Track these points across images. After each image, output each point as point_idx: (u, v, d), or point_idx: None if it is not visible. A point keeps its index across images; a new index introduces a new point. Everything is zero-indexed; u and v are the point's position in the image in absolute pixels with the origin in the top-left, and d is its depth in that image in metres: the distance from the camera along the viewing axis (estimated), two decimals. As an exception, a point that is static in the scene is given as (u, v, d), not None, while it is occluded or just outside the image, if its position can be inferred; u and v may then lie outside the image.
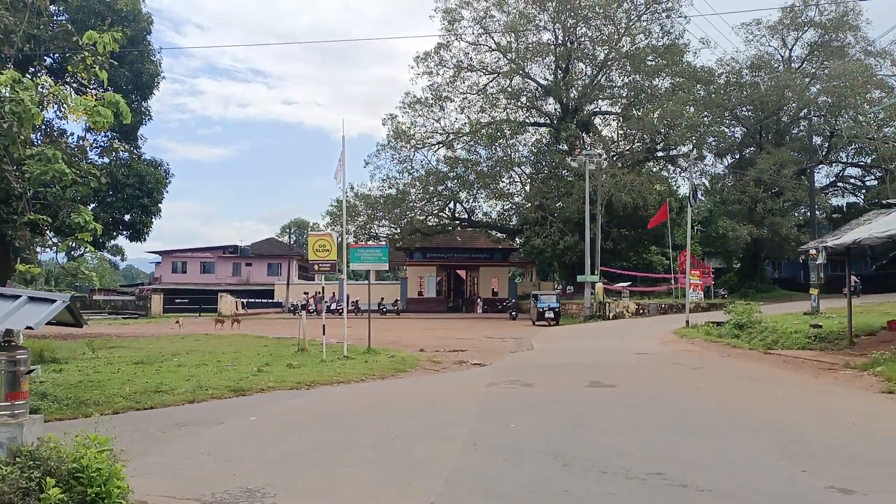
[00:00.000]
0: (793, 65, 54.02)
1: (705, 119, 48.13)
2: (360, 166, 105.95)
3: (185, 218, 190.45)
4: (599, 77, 51.18)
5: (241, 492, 7.01)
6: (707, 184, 56.43)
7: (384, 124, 52.33)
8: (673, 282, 43.99)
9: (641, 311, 39.91)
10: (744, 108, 53.80)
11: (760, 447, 8.39)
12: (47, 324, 5.49)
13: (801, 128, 54.94)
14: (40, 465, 4.94)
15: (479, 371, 17.03)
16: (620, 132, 52.70)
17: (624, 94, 51.63)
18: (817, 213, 47.18)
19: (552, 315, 36.81)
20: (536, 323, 37.08)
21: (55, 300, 5.45)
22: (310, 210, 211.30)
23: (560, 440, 8.74)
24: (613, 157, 49.26)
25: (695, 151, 46.96)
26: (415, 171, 51.74)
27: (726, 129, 54.19)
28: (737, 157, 55.93)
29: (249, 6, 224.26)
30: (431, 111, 51.44)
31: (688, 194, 35.65)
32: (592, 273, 40.03)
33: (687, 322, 28.53)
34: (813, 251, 30.69)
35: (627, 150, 51.11)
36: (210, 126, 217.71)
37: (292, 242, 74.58)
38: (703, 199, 52.53)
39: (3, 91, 11.46)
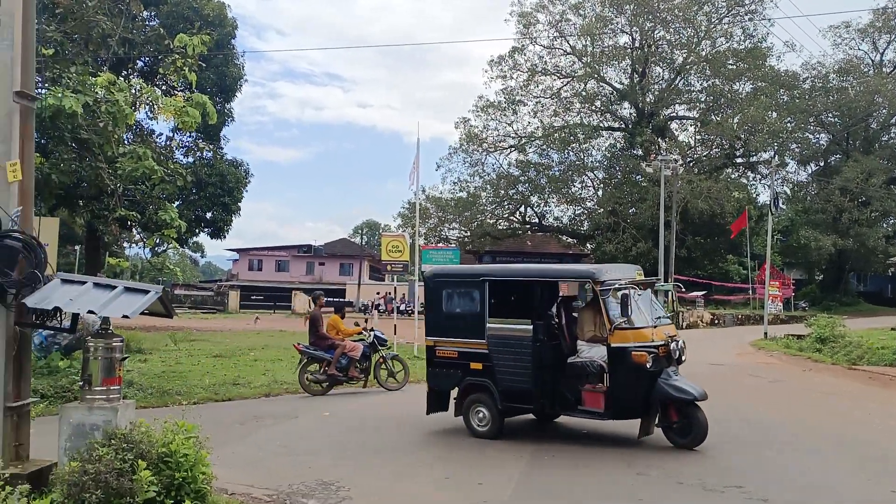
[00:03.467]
0: (884, 69, 51.75)
1: (788, 125, 46.59)
2: (432, 169, 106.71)
3: (261, 218, 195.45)
4: (677, 81, 50.19)
5: (316, 484, 7.19)
6: (788, 192, 54.55)
7: (456, 128, 52.77)
8: (751, 292, 42.72)
9: (716, 322, 38.89)
10: (830, 114, 51.78)
11: (842, 464, 8.10)
12: (142, 314, 5.75)
13: (892, 135, 52.55)
14: (133, 447, 5.18)
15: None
16: (698, 137, 51.53)
17: (702, 99, 50.47)
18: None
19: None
20: (607, 330, 36.50)
21: (149, 290, 5.70)
22: (382, 212, 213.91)
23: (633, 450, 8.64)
24: (690, 163, 48.18)
25: (776, 158, 45.48)
26: (486, 174, 51.78)
27: (810, 136, 52.30)
28: (821, 164, 53.85)
29: (327, 13, 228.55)
30: (504, 115, 51.42)
31: (768, 202, 34.57)
32: (666, 281, 39.20)
33: (765, 334, 27.66)
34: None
35: (705, 156, 49.94)
36: (287, 128, 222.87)
37: (364, 243, 75.63)
38: (783, 207, 50.80)
39: (100, 92, 12.06)
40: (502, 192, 50.95)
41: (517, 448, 8.68)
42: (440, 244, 46.02)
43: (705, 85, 50.14)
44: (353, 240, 78.43)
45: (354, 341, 13.65)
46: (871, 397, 13.74)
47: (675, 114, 52.97)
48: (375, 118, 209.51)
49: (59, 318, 5.79)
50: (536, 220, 54.55)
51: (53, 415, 10.49)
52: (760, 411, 11.67)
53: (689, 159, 48.68)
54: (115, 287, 5.66)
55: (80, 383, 5.64)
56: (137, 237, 40.09)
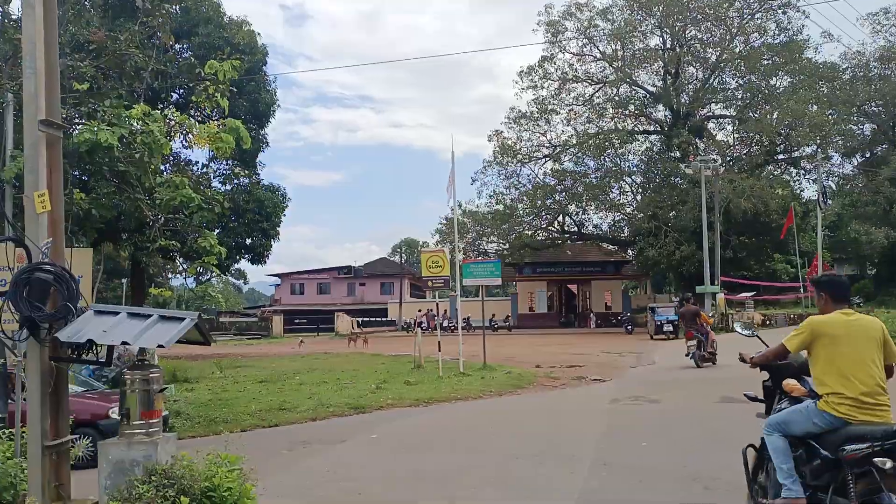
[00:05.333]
0: (927, 54, 50.19)
1: (830, 117, 45.27)
2: (467, 184, 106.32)
3: (300, 242, 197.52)
4: (711, 80, 49.26)
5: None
6: (834, 186, 53.02)
7: (490, 140, 52.30)
8: (802, 290, 41.47)
9: (768, 322, 37.76)
10: (873, 104, 50.31)
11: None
12: (178, 342, 5.55)
13: (940, 121, 50.92)
14: (174, 483, 4.97)
15: (600, 387, 16.45)
16: (736, 136, 50.45)
17: (739, 96, 49.40)
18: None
19: (671, 328, 35.38)
20: (654, 337, 35.77)
21: (184, 318, 5.51)
22: (419, 229, 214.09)
23: (697, 460, 8.19)
24: (730, 162, 47.15)
25: (820, 152, 44.22)
26: (522, 185, 51.28)
27: (854, 127, 50.77)
28: (867, 155, 52.33)
29: (356, 38, 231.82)
30: (537, 125, 50.98)
31: (816, 197, 33.58)
32: (712, 283, 38.32)
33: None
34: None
35: (745, 154, 48.81)
36: (322, 152, 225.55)
37: (403, 261, 75.66)
38: (829, 202, 49.40)
39: (135, 124, 12.08)
40: (539, 202, 50.42)
41: (573, 464, 8.28)
42: (479, 258, 45.65)
43: (741, 82, 49.10)
44: (392, 259, 78.50)
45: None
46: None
47: (711, 113, 51.94)
48: (409, 137, 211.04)
49: (94, 351, 5.62)
50: (575, 229, 53.89)
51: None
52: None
53: (728, 158, 47.63)
54: (149, 316, 5.48)
55: (119, 418, 5.47)
56: (181, 267, 40.65)
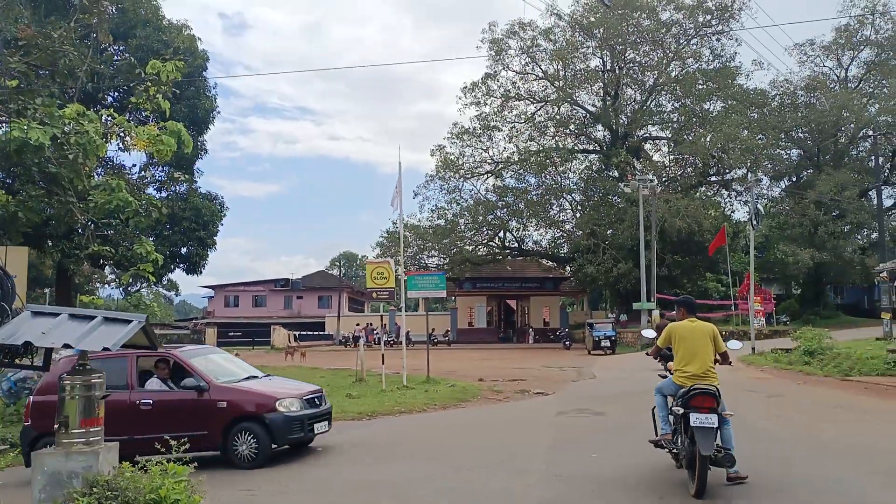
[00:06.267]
0: (849, 84, 52.56)
1: (760, 142, 46.93)
2: (409, 198, 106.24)
3: (235, 253, 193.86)
4: (649, 102, 50.48)
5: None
6: (761, 208, 54.79)
7: (432, 155, 52.28)
8: (733, 308, 42.64)
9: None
10: (800, 130, 52.35)
11: (870, 475, 7.71)
12: (122, 346, 5.23)
13: (861, 148, 53.22)
14: (118, 495, 4.66)
15: (544, 400, 16.45)
16: (672, 157, 51.80)
17: (674, 119, 50.82)
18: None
19: (608, 344, 35.89)
20: (592, 352, 36.18)
21: (131, 321, 5.20)
22: (358, 243, 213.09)
23: (648, 471, 8.18)
24: (665, 182, 48.32)
25: (752, 175, 45.72)
26: (464, 200, 51.39)
27: (782, 152, 52.80)
28: (793, 179, 54.36)
29: (297, 48, 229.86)
30: (479, 141, 51.23)
31: (748, 218, 34.59)
32: (649, 300, 39.04)
33: (753, 349, 27.43)
34: (884, 274, 29.47)
35: (679, 175, 50.12)
36: (260, 163, 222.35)
37: (342, 275, 74.86)
38: (759, 224, 51.08)
39: (69, 124, 11.52)
40: (480, 217, 50.63)
41: (526, 476, 8.17)
42: (420, 271, 45.44)
43: (677, 105, 50.51)
44: (330, 272, 77.61)
45: None
46: (874, 407, 13.45)
47: (648, 134, 53.28)
48: (348, 150, 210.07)
49: (30, 356, 5.25)
50: (516, 245, 54.28)
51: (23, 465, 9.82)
52: (769, 426, 11.30)
53: (664, 178, 48.82)
54: (93, 318, 5.15)
55: (56, 426, 5.10)
56: (110, 277, 39.19)
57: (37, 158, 13.66)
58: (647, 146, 53.35)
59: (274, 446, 9.58)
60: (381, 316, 23.00)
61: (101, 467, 4.94)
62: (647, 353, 8.75)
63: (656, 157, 52.60)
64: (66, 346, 4.87)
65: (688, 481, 7.15)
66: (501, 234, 53.62)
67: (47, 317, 5.14)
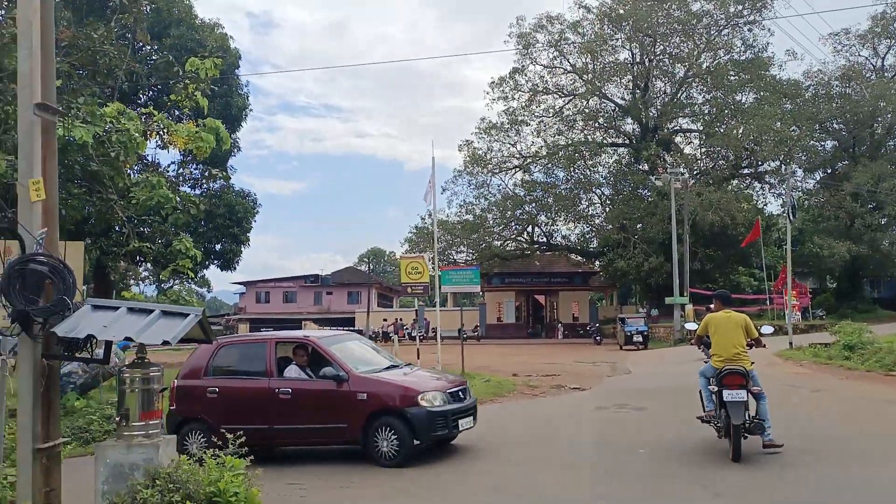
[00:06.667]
0: (886, 74, 51.49)
1: (793, 133, 46.17)
2: (437, 193, 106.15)
3: (264, 251, 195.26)
4: (679, 94, 49.92)
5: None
6: (795, 201, 53.90)
7: (460, 150, 52.26)
8: (768, 302, 42.04)
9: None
10: (834, 121, 51.40)
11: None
12: (181, 340, 5.26)
13: (899, 138, 52.20)
14: (179, 487, 4.68)
15: (581, 395, 16.34)
16: (703, 150, 51.15)
17: (706, 111, 50.13)
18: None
19: (640, 339, 35.61)
20: (624, 347, 35.93)
21: (188, 314, 5.23)
22: (386, 239, 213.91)
23: (698, 466, 8.07)
24: (697, 175, 47.76)
25: (786, 167, 45.00)
26: (492, 195, 51.38)
27: (816, 143, 51.84)
28: (828, 171, 53.39)
29: (323, 46, 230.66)
30: (507, 136, 51.12)
31: (783, 211, 34.11)
32: (681, 295, 38.65)
33: (790, 344, 27.01)
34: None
35: (711, 168, 49.51)
36: (287, 161, 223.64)
37: (370, 271, 75.10)
38: (794, 217, 50.26)
39: (110, 122, 11.66)
40: (509, 213, 50.56)
41: (575, 471, 8.11)
42: (448, 266, 45.41)
43: (708, 97, 49.86)
44: (359, 268, 77.89)
45: None
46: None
47: (678, 127, 52.64)
48: (375, 147, 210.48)
49: (90, 349, 5.30)
50: (545, 240, 54.06)
51: (75, 457, 9.96)
52: (816, 422, 11.09)
53: (695, 171, 48.26)
54: (151, 311, 5.19)
55: (117, 419, 5.15)
56: (144, 273, 39.68)
57: (79, 157, 13.86)
58: (678, 139, 52.74)
59: (416, 443, 9.04)
60: (417, 310, 22.90)
61: (161, 459, 4.98)
62: (691, 343, 10.39)
63: (687, 150, 52.05)
64: (128, 339, 4.90)
65: (728, 450, 8.23)
66: (530, 228, 53.43)
67: (107, 310, 5.19)
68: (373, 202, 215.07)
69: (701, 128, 50.71)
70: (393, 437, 8.78)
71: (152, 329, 4.99)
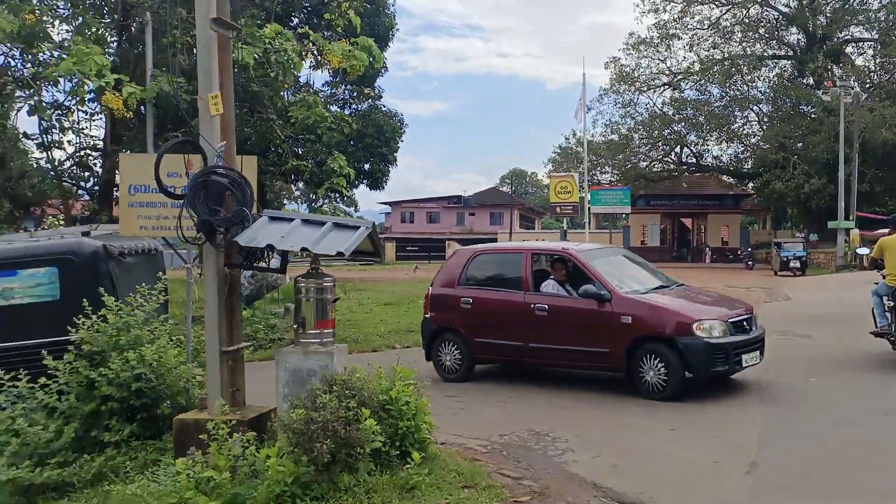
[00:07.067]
0: None
1: None
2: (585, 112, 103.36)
3: (407, 172, 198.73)
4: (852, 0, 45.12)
5: (528, 434, 6.70)
6: None
7: (606, 67, 50.26)
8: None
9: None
10: None
11: None
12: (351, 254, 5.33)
13: None
14: (355, 394, 4.83)
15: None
16: (878, 61, 46.28)
17: (881, 18, 45.06)
18: None
19: (798, 265, 33.56)
20: (779, 273, 34.00)
21: (359, 226, 5.29)
22: (528, 160, 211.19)
23: (878, 398, 7.52)
24: (870, 90, 43.47)
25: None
26: (639, 115, 49.18)
27: None
28: None
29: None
30: (657, 51, 48.39)
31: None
32: (847, 219, 35.90)
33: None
34: None
35: (887, 81, 44.84)
36: (429, 81, 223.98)
37: (512, 192, 74.87)
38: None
39: (268, 43, 11.90)
40: (656, 132, 48.32)
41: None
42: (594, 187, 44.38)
43: (884, 1, 44.73)
44: (501, 189, 77.87)
45: None
46: None
47: (850, 36, 47.75)
48: (517, 67, 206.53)
49: (266, 259, 5.51)
50: (694, 161, 51.46)
51: (245, 362, 10.66)
52: None
53: (868, 85, 43.95)
54: (323, 223, 5.29)
55: (294, 326, 5.35)
56: (296, 192, 41.37)
57: (242, 78, 14.38)
58: (849, 49, 47.90)
59: (689, 376, 7.98)
60: (563, 230, 22.61)
61: (335, 367, 5.14)
62: (866, 266, 11.75)
63: (859, 62, 47.23)
64: (304, 249, 5.02)
65: None
66: (678, 149, 50.93)
67: (283, 222, 5.34)
68: (515, 123, 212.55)
69: (876, 36, 45.70)
70: (661, 366, 7.88)
71: (326, 240, 5.09)
